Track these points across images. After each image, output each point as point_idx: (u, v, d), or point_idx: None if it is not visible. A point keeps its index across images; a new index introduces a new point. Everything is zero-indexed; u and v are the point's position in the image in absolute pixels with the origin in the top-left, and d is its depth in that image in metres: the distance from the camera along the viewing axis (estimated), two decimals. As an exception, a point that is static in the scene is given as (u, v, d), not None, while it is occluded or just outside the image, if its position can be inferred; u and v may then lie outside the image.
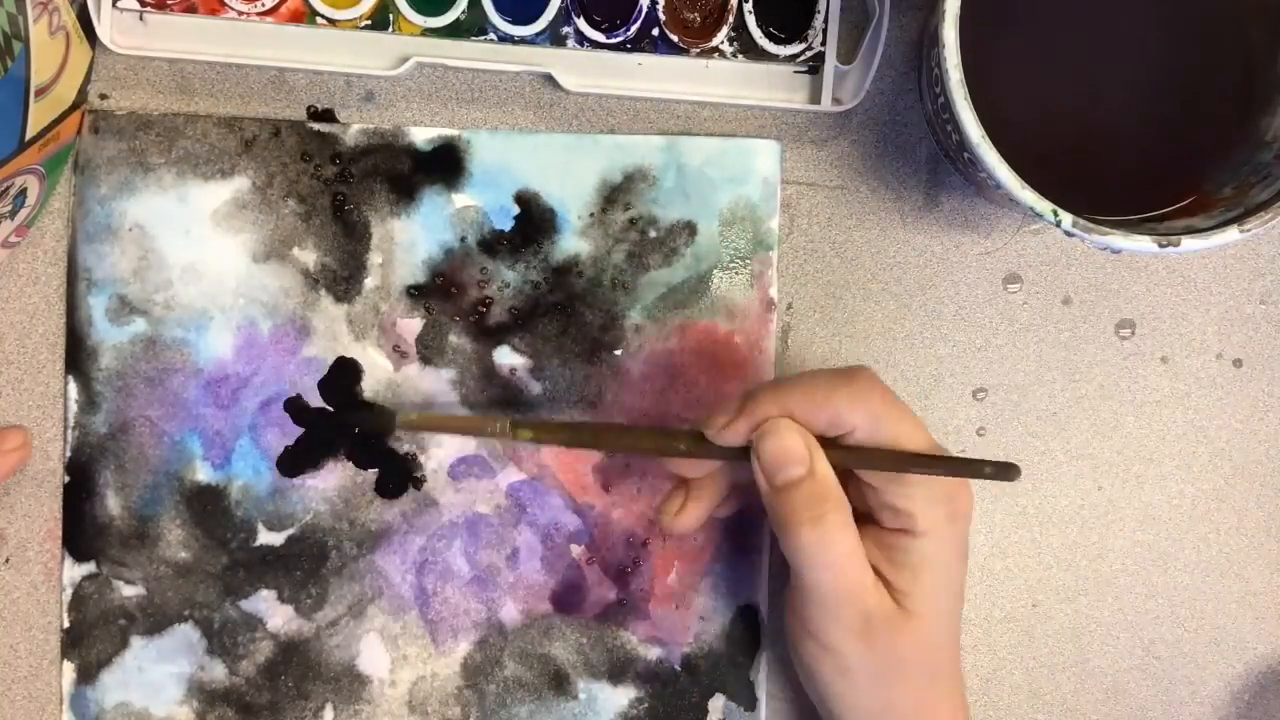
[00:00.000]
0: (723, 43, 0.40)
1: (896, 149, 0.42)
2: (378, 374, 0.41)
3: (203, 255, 0.40)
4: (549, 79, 0.40)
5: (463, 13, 0.40)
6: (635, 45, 0.40)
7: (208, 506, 0.41)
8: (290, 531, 0.41)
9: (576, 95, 0.41)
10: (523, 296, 0.41)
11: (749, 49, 0.40)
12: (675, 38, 0.40)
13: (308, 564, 0.41)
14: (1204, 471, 0.43)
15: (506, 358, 0.41)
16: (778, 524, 0.35)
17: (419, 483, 0.41)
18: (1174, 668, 0.43)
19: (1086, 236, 0.34)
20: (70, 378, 0.40)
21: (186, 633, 0.41)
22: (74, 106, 0.39)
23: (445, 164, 0.41)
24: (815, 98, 0.41)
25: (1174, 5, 0.37)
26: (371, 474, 0.41)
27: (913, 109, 0.42)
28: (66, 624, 0.41)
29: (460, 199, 0.41)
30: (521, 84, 0.41)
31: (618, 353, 0.41)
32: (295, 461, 0.41)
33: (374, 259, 0.41)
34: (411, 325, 0.41)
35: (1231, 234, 0.34)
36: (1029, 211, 0.34)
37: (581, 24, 0.40)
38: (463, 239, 0.41)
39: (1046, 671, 0.43)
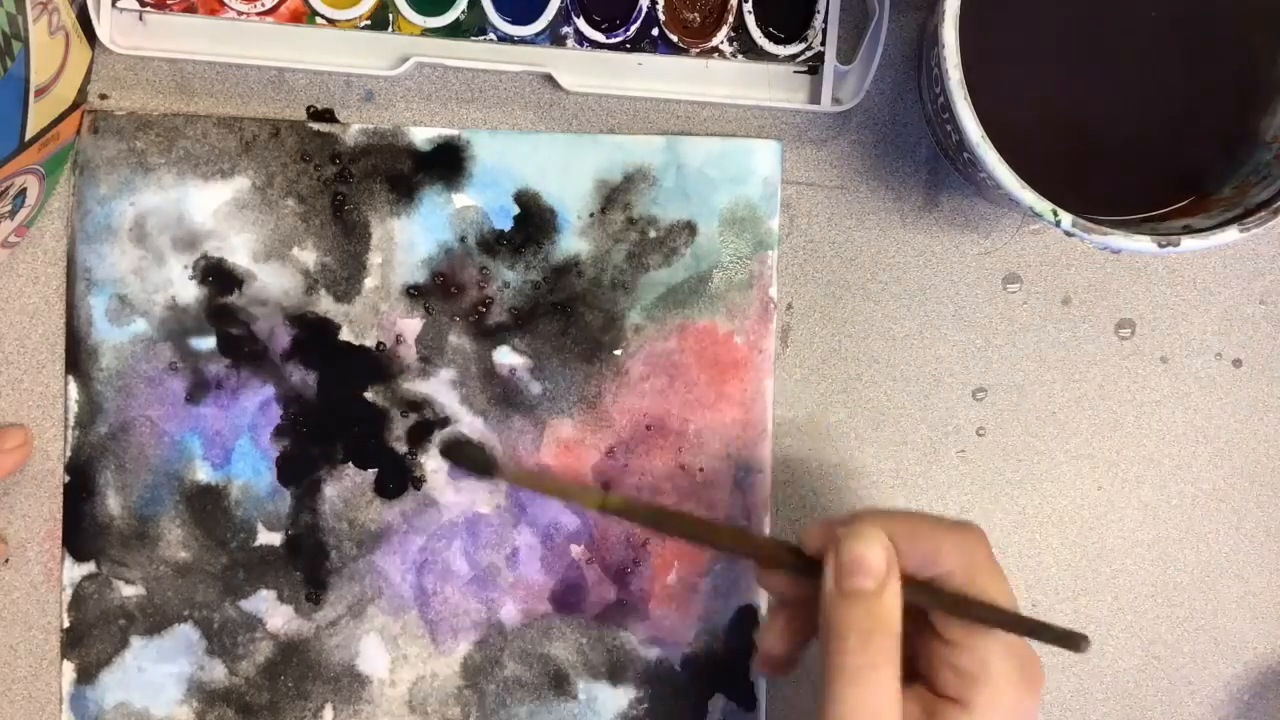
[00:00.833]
0: (722, 43, 0.40)
1: (896, 149, 0.42)
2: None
3: (203, 255, 0.40)
4: (549, 79, 0.40)
5: (463, 13, 0.40)
6: (635, 45, 0.40)
7: (208, 506, 0.41)
8: (290, 531, 0.41)
9: (576, 95, 0.41)
10: (523, 296, 0.41)
11: (749, 49, 0.40)
12: (675, 38, 0.40)
13: (308, 564, 0.41)
14: (1204, 471, 0.43)
15: (506, 358, 0.41)
16: (827, 639, 0.31)
17: (419, 483, 0.41)
18: (1174, 668, 0.43)
19: (1086, 236, 0.34)
20: (70, 378, 0.40)
21: (186, 633, 0.41)
22: (74, 106, 0.39)
23: (445, 164, 0.41)
24: (815, 98, 0.41)
25: (1174, 6, 0.37)
26: (371, 474, 0.41)
27: (913, 109, 0.42)
28: (66, 624, 0.41)
29: (460, 199, 0.41)
30: (521, 84, 0.41)
31: (618, 353, 0.41)
32: (295, 469, 0.41)
33: (374, 259, 0.41)
34: (411, 325, 0.41)
35: (1231, 234, 0.34)
36: (1029, 211, 0.34)
37: (581, 24, 0.40)
38: (463, 239, 0.41)
39: (1047, 671, 0.43)
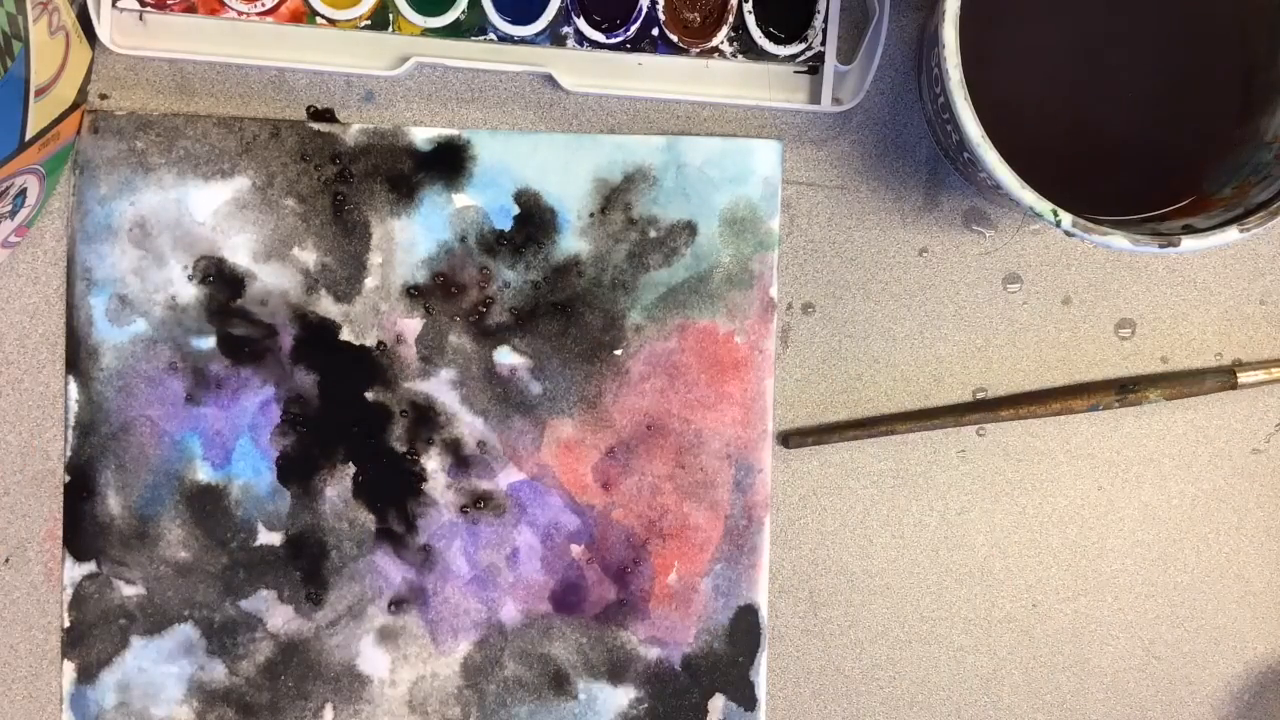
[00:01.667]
0: (723, 43, 0.40)
1: (896, 149, 0.42)
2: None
3: (202, 255, 0.40)
4: (549, 79, 0.40)
5: (463, 13, 0.40)
6: (635, 45, 0.40)
7: (208, 506, 0.41)
8: (290, 531, 0.41)
9: (576, 95, 0.41)
10: (523, 296, 0.41)
11: (749, 49, 0.40)
12: (675, 38, 0.40)
13: (308, 564, 0.41)
14: (1204, 471, 0.43)
15: (506, 358, 0.41)
16: None
17: (419, 483, 0.41)
18: (1174, 668, 0.43)
19: (1086, 236, 0.34)
20: (70, 378, 0.40)
21: (186, 633, 0.41)
22: (74, 106, 0.39)
23: (445, 164, 0.41)
24: (815, 98, 0.41)
25: (1174, 5, 0.37)
26: (372, 474, 0.41)
27: (913, 109, 0.42)
28: (66, 624, 0.41)
29: (460, 199, 0.41)
30: (521, 84, 0.41)
31: (618, 353, 0.41)
32: (295, 469, 0.41)
33: (374, 259, 0.41)
34: (411, 325, 0.41)
35: (1231, 234, 0.34)
36: (1029, 211, 0.34)
37: (581, 24, 0.40)
38: (463, 239, 0.41)
39: (1046, 671, 0.43)
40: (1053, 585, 0.43)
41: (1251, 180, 0.36)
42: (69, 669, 0.41)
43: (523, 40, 0.40)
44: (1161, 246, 0.34)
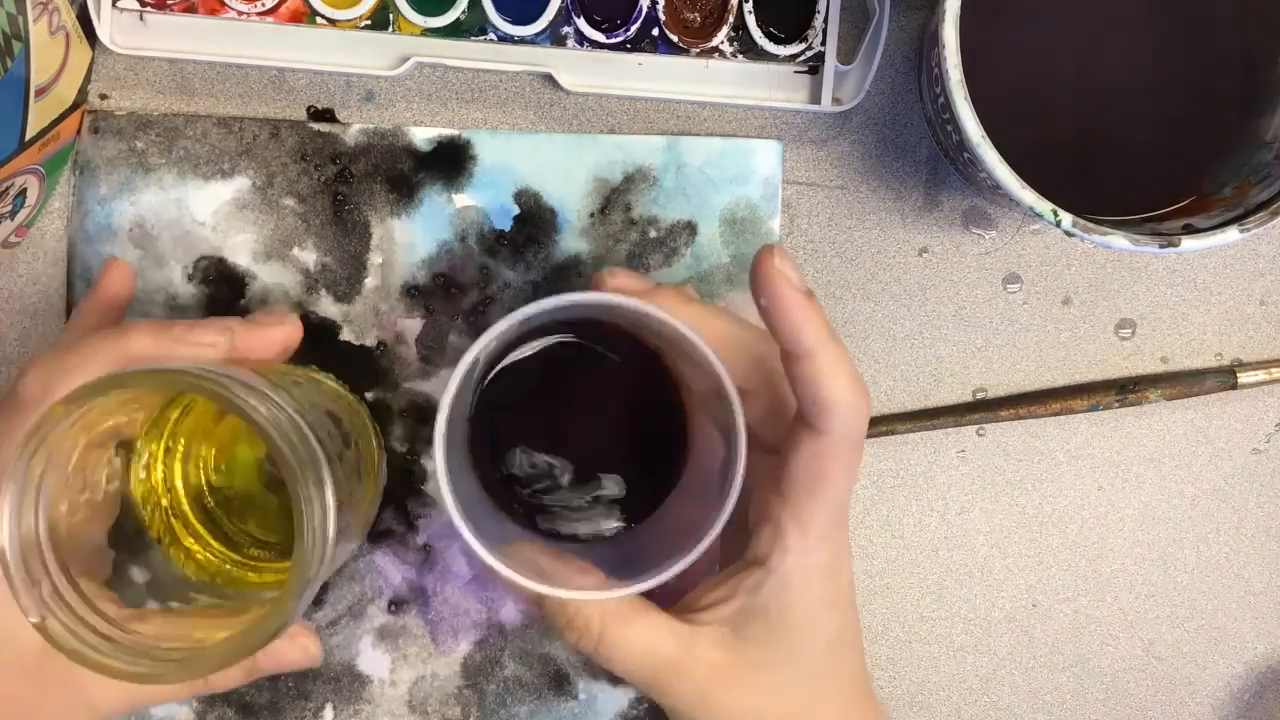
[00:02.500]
0: (723, 43, 0.40)
1: (896, 149, 0.42)
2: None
3: (202, 255, 0.40)
4: (549, 79, 0.40)
5: (463, 13, 0.40)
6: (635, 45, 0.40)
7: (208, 506, 0.41)
8: (290, 531, 0.41)
9: (576, 95, 0.41)
10: (523, 296, 0.41)
11: (749, 49, 0.40)
12: (675, 38, 0.40)
13: (308, 564, 0.41)
14: (1204, 471, 0.43)
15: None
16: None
17: (419, 482, 0.41)
18: (1174, 668, 0.43)
19: (1086, 236, 0.34)
20: (70, 378, 0.40)
21: (186, 633, 0.41)
22: (74, 106, 0.39)
23: (445, 164, 0.41)
24: (815, 98, 0.41)
25: (1174, 5, 0.37)
26: (371, 474, 0.41)
27: (913, 109, 0.42)
28: (66, 624, 0.40)
29: (460, 199, 0.41)
30: (521, 84, 0.41)
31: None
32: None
33: (374, 259, 0.41)
34: (411, 325, 0.41)
35: (1231, 234, 0.34)
36: (1029, 211, 0.34)
37: (581, 24, 0.40)
38: (463, 239, 0.41)
39: (1046, 671, 0.43)
40: (1053, 585, 0.43)
41: (1251, 180, 0.36)
42: (69, 669, 0.40)
43: (523, 40, 0.40)
44: (1161, 246, 0.34)
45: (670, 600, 0.36)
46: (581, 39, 0.40)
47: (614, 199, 0.41)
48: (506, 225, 0.41)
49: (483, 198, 0.41)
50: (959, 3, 0.33)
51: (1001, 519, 0.42)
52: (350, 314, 0.41)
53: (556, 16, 0.40)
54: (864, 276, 0.42)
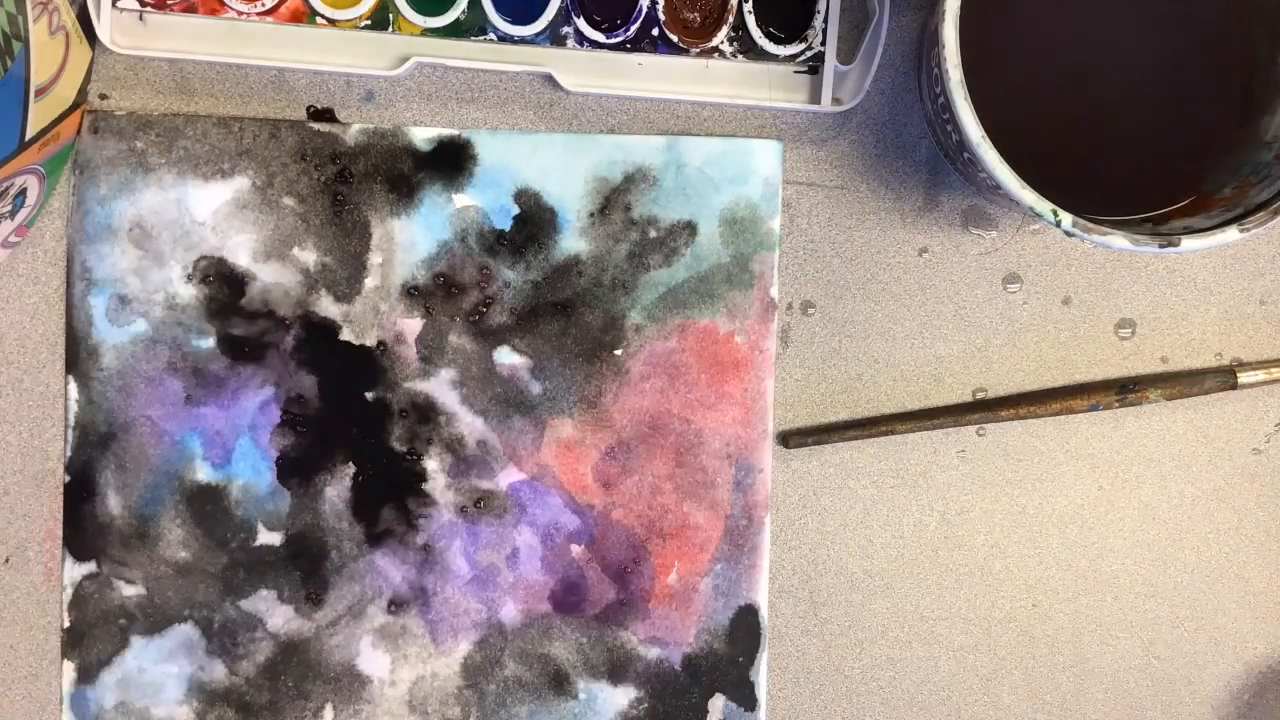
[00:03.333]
0: (723, 43, 0.40)
1: (896, 149, 0.42)
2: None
3: (202, 255, 0.40)
4: (549, 79, 0.41)
5: (463, 13, 0.40)
6: (635, 45, 0.40)
7: (208, 506, 0.41)
8: (290, 531, 0.41)
9: (576, 95, 0.41)
10: (523, 296, 0.41)
11: (749, 49, 0.40)
12: (675, 38, 0.40)
13: (308, 564, 0.41)
14: (1204, 471, 0.43)
15: (507, 358, 0.41)
16: None
17: (419, 482, 0.41)
18: (1174, 668, 0.43)
19: (1086, 236, 0.34)
20: (70, 378, 0.40)
21: (186, 633, 0.41)
22: (74, 106, 0.39)
23: (445, 164, 0.41)
24: (815, 98, 0.41)
25: (1174, 5, 0.37)
26: (371, 474, 0.41)
27: (913, 109, 0.42)
28: (66, 624, 0.41)
29: (460, 199, 0.41)
30: (521, 84, 0.41)
31: (618, 353, 0.41)
32: (295, 469, 0.41)
33: (374, 259, 0.41)
34: (411, 325, 0.41)
35: (1231, 234, 0.34)
36: (1029, 211, 0.34)
37: (581, 24, 0.40)
38: (463, 239, 0.41)
39: (1046, 671, 0.43)
40: (1053, 585, 0.43)
41: (1251, 180, 0.36)
42: (69, 669, 0.41)
43: (523, 40, 0.40)
44: (1161, 246, 0.34)
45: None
46: (581, 39, 0.40)
47: (614, 199, 0.41)
48: (506, 225, 0.41)
49: (483, 198, 0.41)
50: (959, 3, 0.33)
51: (1001, 519, 0.42)
52: (350, 314, 0.41)
53: (556, 16, 0.40)
54: (864, 276, 0.42)
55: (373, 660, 0.41)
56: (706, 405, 0.41)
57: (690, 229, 0.41)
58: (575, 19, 0.40)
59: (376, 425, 0.41)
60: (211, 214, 0.40)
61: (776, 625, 0.42)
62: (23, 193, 0.38)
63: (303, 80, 0.41)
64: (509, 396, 0.41)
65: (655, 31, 0.40)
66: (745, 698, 0.41)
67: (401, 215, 0.41)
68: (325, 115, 0.41)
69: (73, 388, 0.40)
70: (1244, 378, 0.42)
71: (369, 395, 0.41)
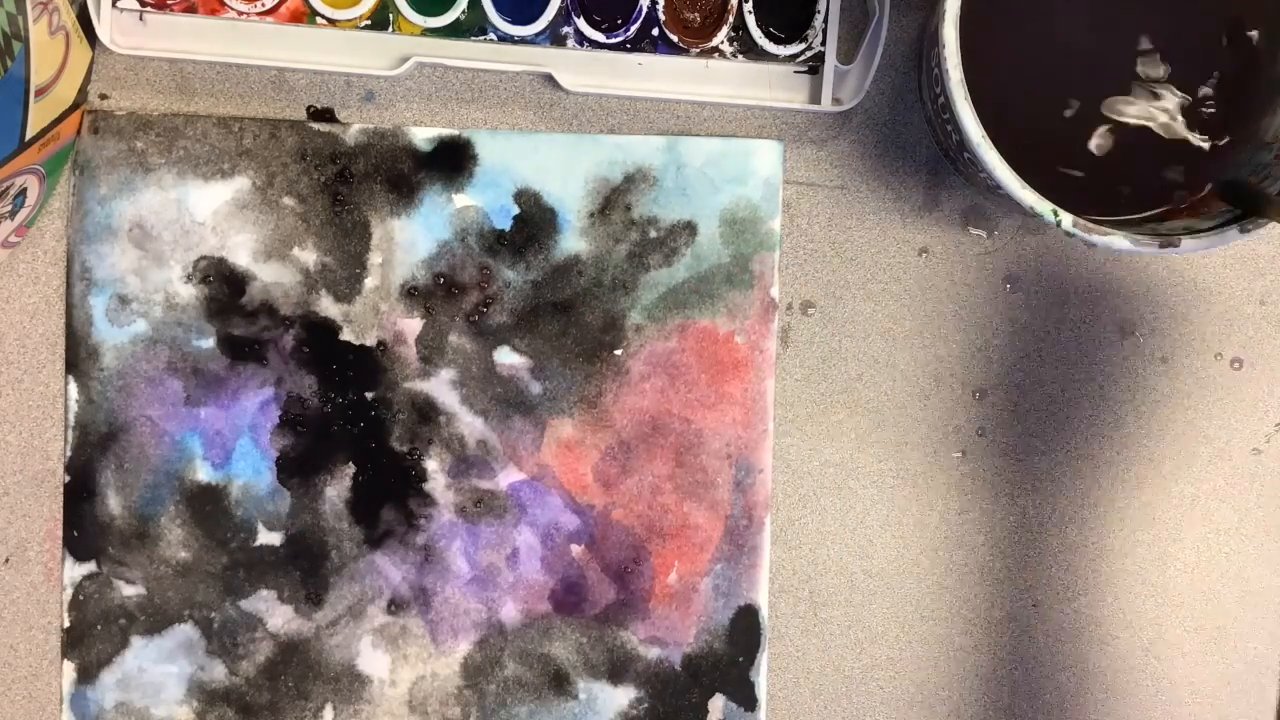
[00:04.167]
0: (723, 43, 0.40)
1: (896, 149, 0.42)
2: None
3: (202, 255, 0.40)
4: (549, 79, 0.41)
5: (463, 13, 0.40)
6: (635, 45, 0.40)
7: (208, 506, 0.41)
8: (290, 531, 0.41)
9: (576, 95, 0.41)
10: (523, 296, 0.41)
11: (749, 49, 0.40)
12: (675, 38, 0.40)
13: (308, 564, 0.41)
14: (1204, 471, 0.43)
15: (507, 358, 0.41)
16: None
17: (419, 483, 0.41)
18: (1174, 668, 0.43)
19: (1086, 236, 0.34)
20: (70, 378, 0.40)
21: (186, 633, 0.41)
22: (74, 106, 0.39)
23: (445, 164, 0.41)
24: (815, 98, 0.41)
25: (1174, 5, 0.37)
26: (371, 474, 0.41)
27: (913, 109, 0.42)
28: (66, 624, 0.41)
29: (460, 199, 0.41)
30: (521, 84, 0.41)
31: (618, 353, 0.41)
32: (295, 469, 0.41)
33: (374, 259, 0.41)
34: (411, 325, 0.41)
35: (1231, 234, 0.34)
36: (1029, 211, 0.34)
37: (581, 24, 0.40)
38: (463, 239, 0.41)
39: (1046, 671, 0.43)
40: (1053, 585, 0.43)
41: (1252, 180, 0.36)
42: (69, 669, 0.41)
43: (523, 40, 0.40)
44: (1161, 246, 0.34)
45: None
46: (581, 39, 0.40)
47: (614, 199, 0.41)
48: (506, 225, 0.41)
49: (483, 198, 0.41)
50: (959, 3, 0.33)
51: (1001, 519, 0.42)
52: (350, 314, 0.41)
53: (556, 16, 0.40)
54: (864, 276, 0.42)
55: (373, 660, 0.41)
56: (706, 405, 0.41)
57: (690, 229, 0.41)
58: (575, 19, 0.40)
59: (376, 425, 0.41)
60: (211, 214, 0.41)
61: (776, 625, 0.42)
62: (23, 193, 0.38)
63: (303, 80, 0.41)
64: (509, 396, 0.41)
65: (655, 31, 0.40)
66: (745, 698, 0.41)
67: (401, 215, 0.41)
68: (325, 115, 0.41)
69: (73, 388, 0.40)
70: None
71: (369, 395, 0.41)
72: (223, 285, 0.41)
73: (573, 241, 0.41)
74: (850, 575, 0.42)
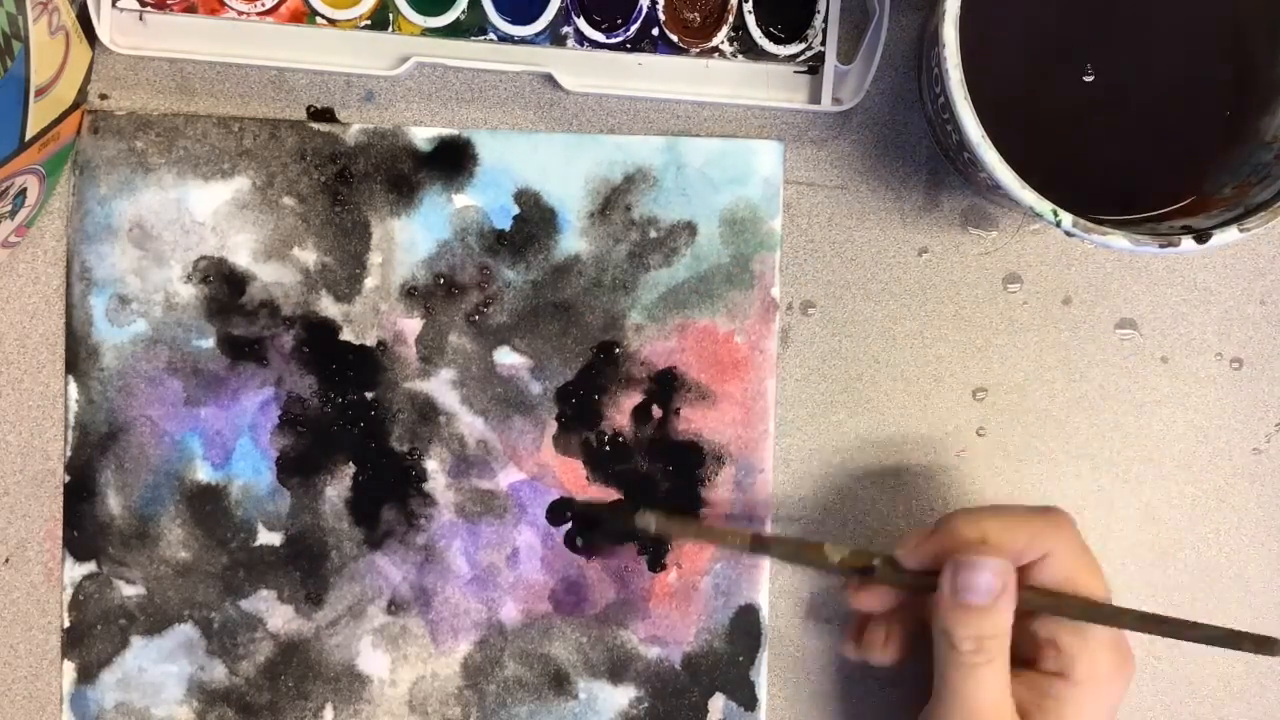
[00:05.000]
0: (723, 43, 0.40)
1: (896, 149, 0.42)
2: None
3: (202, 255, 0.40)
4: (549, 79, 0.40)
5: (463, 13, 0.40)
6: (635, 45, 0.40)
7: (208, 506, 0.41)
8: (290, 531, 0.41)
9: (576, 95, 0.41)
10: (523, 296, 0.41)
11: (749, 49, 0.40)
12: (675, 38, 0.40)
13: (308, 564, 0.41)
14: (1204, 471, 0.43)
15: (506, 358, 0.41)
16: (942, 641, 0.35)
17: (419, 483, 0.41)
18: (1174, 668, 0.43)
19: (1086, 236, 0.34)
20: (70, 378, 0.40)
21: (186, 633, 0.41)
22: (74, 106, 0.39)
23: (445, 164, 0.41)
24: (815, 98, 0.41)
25: (1174, 5, 0.37)
26: (371, 474, 0.41)
27: (913, 109, 0.42)
28: (66, 624, 0.41)
29: (460, 199, 0.41)
30: (521, 84, 0.41)
31: (618, 353, 0.41)
32: (295, 469, 0.41)
33: (374, 259, 0.41)
34: (411, 325, 0.41)
35: (1231, 234, 0.34)
36: (1029, 211, 0.34)
37: (581, 24, 0.40)
38: (463, 239, 0.41)
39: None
40: (1053, 585, 0.43)
41: (1251, 180, 0.36)
42: (69, 669, 0.41)
43: (523, 40, 0.40)
44: (1161, 246, 0.34)
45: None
46: (581, 39, 0.40)
47: (614, 199, 0.41)
48: (506, 225, 0.41)
49: (483, 197, 0.41)
50: (959, 3, 0.33)
51: (1001, 519, 0.42)
52: (350, 314, 0.41)
53: (556, 16, 0.40)
54: (864, 276, 0.42)
55: (373, 660, 0.41)
56: (706, 405, 0.41)
57: (690, 229, 0.41)
58: (575, 19, 0.40)
59: (376, 425, 0.41)
60: (211, 214, 0.40)
61: (776, 625, 0.42)
62: (23, 193, 0.38)
63: (303, 80, 0.41)
64: (509, 396, 0.41)
65: (655, 31, 0.40)
66: (745, 697, 0.41)
67: (401, 215, 0.41)
68: (325, 115, 0.41)
69: (73, 388, 0.40)
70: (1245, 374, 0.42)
71: (369, 395, 0.41)
72: (223, 285, 0.41)
73: (573, 241, 0.41)
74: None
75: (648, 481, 0.41)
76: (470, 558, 0.41)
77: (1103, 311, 0.42)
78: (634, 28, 0.40)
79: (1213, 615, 0.43)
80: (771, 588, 0.42)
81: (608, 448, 0.41)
